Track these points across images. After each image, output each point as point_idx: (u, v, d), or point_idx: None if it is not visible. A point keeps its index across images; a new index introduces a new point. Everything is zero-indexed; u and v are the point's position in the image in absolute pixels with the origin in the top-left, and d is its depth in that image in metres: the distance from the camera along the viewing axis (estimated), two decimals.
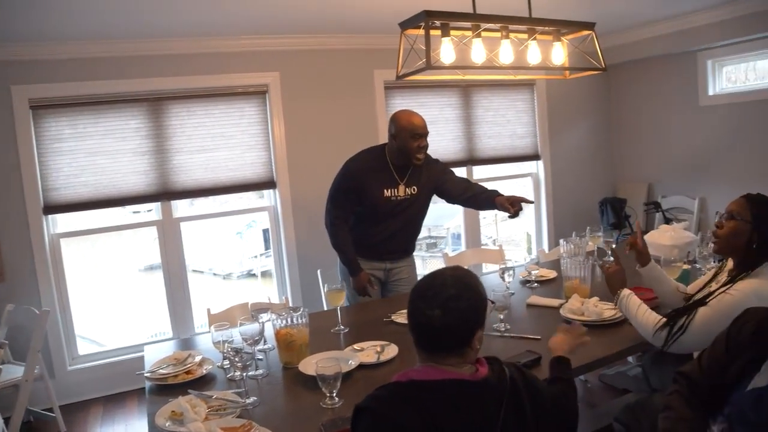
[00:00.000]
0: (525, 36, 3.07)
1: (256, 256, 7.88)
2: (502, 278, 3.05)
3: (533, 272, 3.37)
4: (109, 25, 3.82)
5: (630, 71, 6.14)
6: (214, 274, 7.98)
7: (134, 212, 5.07)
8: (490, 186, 3.44)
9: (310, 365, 2.19)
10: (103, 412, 4.14)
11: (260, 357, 2.43)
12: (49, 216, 4.25)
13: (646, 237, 3.56)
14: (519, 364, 1.66)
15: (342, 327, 2.77)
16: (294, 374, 2.24)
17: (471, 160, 5.67)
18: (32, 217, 4.14)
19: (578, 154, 6.31)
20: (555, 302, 2.85)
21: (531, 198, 3.18)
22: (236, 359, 2.05)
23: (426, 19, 2.71)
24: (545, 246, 6.01)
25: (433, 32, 2.78)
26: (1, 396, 3.63)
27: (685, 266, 2.92)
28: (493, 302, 2.57)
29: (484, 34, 2.94)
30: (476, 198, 3.35)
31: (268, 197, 5.02)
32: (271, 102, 4.78)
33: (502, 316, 2.58)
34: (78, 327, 4.47)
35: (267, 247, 6.80)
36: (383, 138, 3.34)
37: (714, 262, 2.98)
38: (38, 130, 4.15)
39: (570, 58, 3.31)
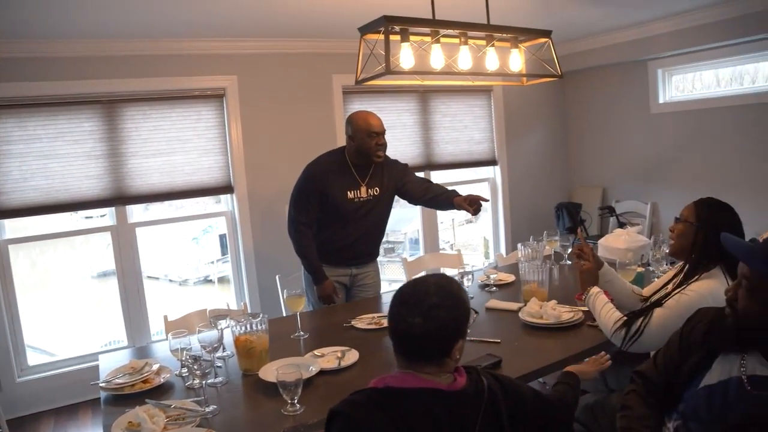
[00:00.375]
0: (483, 43, 3.11)
1: (212, 262, 7.75)
2: (461, 282, 3.06)
3: (492, 276, 3.40)
4: (61, 23, 3.72)
5: (585, 79, 6.29)
6: (170, 281, 7.81)
7: (86, 217, 4.94)
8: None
9: (270, 372, 2.16)
10: (54, 424, 4.01)
11: (219, 364, 2.39)
12: None
13: (602, 241, 3.65)
14: (486, 369, 1.66)
15: (302, 333, 2.74)
16: (254, 381, 2.21)
17: (429, 165, 5.71)
18: None
19: (534, 159, 6.42)
20: (514, 306, 2.88)
21: (486, 197, 3.23)
22: (195, 367, 2.01)
23: (385, 24, 2.72)
24: (503, 250, 6.09)
25: (392, 37, 2.79)
26: None
27: (639, 269, 2.99)
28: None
29: (443, 40, 2.96)
30: (437, 198, 3.38)
31: (225, 202, 4.96)
32: (229, 106, 4.72)
33: None
34: (27, 337, 4.32)
35: (224, 253, 6.71)
36: (342, 141, 3.35)
37: (666, 265, 3.07)
38: None
39: (527, 65, 3.37)
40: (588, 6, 4.37)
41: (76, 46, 4.12)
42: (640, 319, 2.14)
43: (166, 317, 3.01)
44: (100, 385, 2.24)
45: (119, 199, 4.41)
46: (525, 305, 2.79)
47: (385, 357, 2.46)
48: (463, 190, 3.35)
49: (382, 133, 3.22)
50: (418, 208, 5.56)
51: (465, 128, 5.92)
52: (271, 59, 4.87)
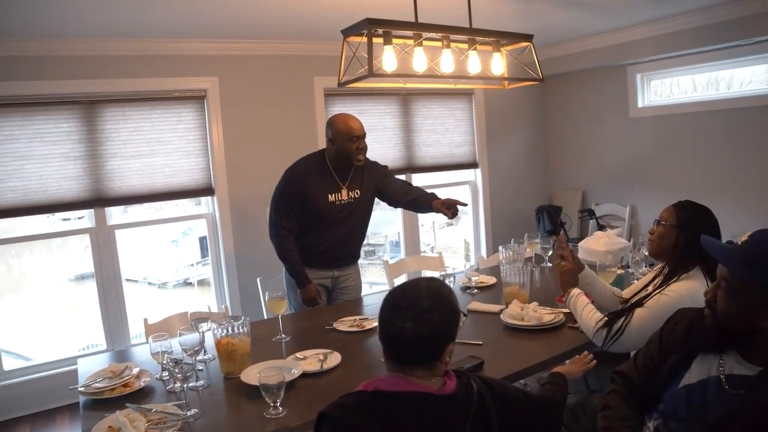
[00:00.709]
0: (465, 46, 3.13)
1: (192, 265, 7.69)
2: None
3: (473, 279, 3.41)
4: (40, 23, 3.66)
5: (565, 83, 6.34)
6: (149, 284, 7.74)
7: (64, 219, 4.87)
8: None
9: (252, 375, 2.15)
10: (30, 430, 3.94)
11: (200, 368, 2.37)
12: None
13: (582, 243, 3.68)
14: (469, 371, 1.66)
15: (283, 335, 2.73)
16: (236, 384, 2.19)
17: (410, 168, 5.72)
18: None
19: (515, 162, 6.46)
20: (495, 308, 2.90)
21: (465, 201, 3.26)
22: (176, 370, 1.99)
23: (368, 26, 2.73)
24: (483, 253, 6.12)
25: (375, 40, 2.80)
26: None
27: (619, 271, 3.02)
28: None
29: (425, 43, 2.98)
30: (416, 201, 3.39)
31: (205, 204, 4.92)
32: (210, 107, 4.69)
33: None
34: (3, 341, 4.25)
35: (204, 256, 6.66)
36: (323, 144, 3.35)
37: (646, 267, 3.11)
38: None
39: (509, 68, 3.39)
40: (568, 11, 4.41)
41: (54, 46, 4.06)
42: (621, 319, 2.17)
43: (146, 320, 2.99)
44: (79, 389, 2.21)
45: (98, 200, 4.36)
46: (506, 307, 2.80)
47: (368, 359, 2.46)
48: (444, 193, 3.37)
49: (363, 136, 3.22)
50: (399, 210, 5.56)
51: (446, 131, 5.94)
52: (252, 61, 4.84)
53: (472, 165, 6.15)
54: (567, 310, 2.57)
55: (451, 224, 7.39)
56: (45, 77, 4.09)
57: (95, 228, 4.41)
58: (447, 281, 3.05)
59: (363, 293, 3.61)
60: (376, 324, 2.64)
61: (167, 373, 2.22)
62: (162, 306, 6.44)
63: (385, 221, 6.86)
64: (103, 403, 2.10)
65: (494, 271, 3.72)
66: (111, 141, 4.36)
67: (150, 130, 4.51)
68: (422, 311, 1.42)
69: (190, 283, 7.76)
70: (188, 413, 1.94)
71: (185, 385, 2.04)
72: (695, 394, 1.57)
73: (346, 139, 3.17)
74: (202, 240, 6.38)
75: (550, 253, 3.69)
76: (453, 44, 3.07)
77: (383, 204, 3.59)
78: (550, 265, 3.70)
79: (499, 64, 3.24)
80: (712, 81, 5.39)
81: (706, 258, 2.11)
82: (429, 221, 7.21)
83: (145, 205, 4.80)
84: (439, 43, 3.04)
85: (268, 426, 1.85)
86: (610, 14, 4.65)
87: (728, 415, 1.47)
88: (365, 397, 1.43)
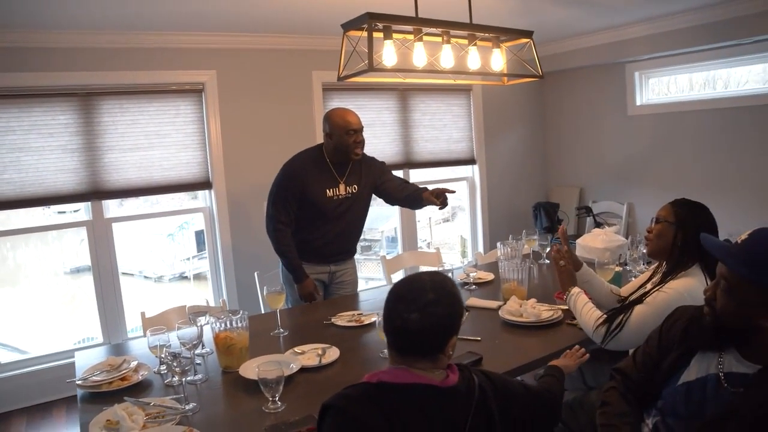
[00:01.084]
0: (465, 42, 3.12)
1: (188, 259, 7.68)
2: None
3: (471, 275, 3.42)
4: (38, 14, 3.64)
5: (563, 80, 6.34)
6: (145, 277, 7.72)
7: (59, 212, 4.85)
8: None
9: (250, 369, 2.15)
10: (26, 423, 3.94)
11: (198, 362, 2.37)
12: None
13: (579, 240, 3.69)
14: (478, 369, 1.67)
15: (281, 330, 2.73)
16: (234, 378, 2.19)
17: (408, 164, 5.71)
18: None
19: (513, 158, 6.46)
20: (493, 304, 2.90)
21: (453, 189, 3.26)
22: (174, 364, 1.98)
23: (369, 21, 2.72)
24: (480, 249, 6.12)
25: (375, 35, 2.79)
26: None
27: (617, 269, 3.03)
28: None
29: (425, 38, 2.97)
30: (410, 197, 3.39)
31: (202, 198, 4.91)
32: (208, 101, 4.68)
33: None
34: None
35: (200, 250, 6.65)
36: (321, 138, 3.32)
37: (643, 264, 3.12)
38: None
39: (508, 65, 3.38)
40: (568, 8, 4.41)
41: (52, 38, 4.03)
42: (621, 316, 2.18)
43: (143, 314, 2.98)
44: (77, 382, 2.21)
45: (95, 193, 4.34)
46: (504, 303, 2.80)
47: (366, 354, 2.46)
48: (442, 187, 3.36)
49: (360, 130, 3.22)
50: (397, 206, 5.56)
51: (444, 127, 5.94)
52: (250, 55, 4.83)
53: (470, 161, 6.15)
54: (565, 307, 2.58)
55: (448, 220, 7.39)
56: (42, 69, 4.06)
57: (92, 221, 4.39)
58: None
59: (359, 289, 3.62)
60: (374, 319, 2.65)
61: (165, 367, 2.22)
62: (158, 300, 6.43)
63: (381, 217, 6.86)
64: (100, 396, 2.10)
65: (492, 267, 3.72)
66: (108, 134, 4.34)
67: (147, 123, 4.49)
68: (427, 303, 1.43)
69: (186, 277, 7.76)
70: (187, 407, 1.94)
71: (184, 379, 2.03)
72: (694, 392, 1.57)
73: (343, 133, 3.16)
74: (198, 234, 6.38)
75: (548, 249, 3.69)
76: (453, 40, 3.07)
77: (380, 200, 3.59)
78: (548, 262, 3.70)
79: (498, 60, 3.24)
80: (709, 80, 5.40)
81: (704, 255, 2.12)
82: (425, 217, 7.21)
83: (141, 198, 4.79)
84: (439, 39, 3.04)
85: (267, 420, 1.85)
86: (609, 11, 4.65)
87: (727, 412, 1.48)
88: (369, 388, 1.43)
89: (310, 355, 2.37)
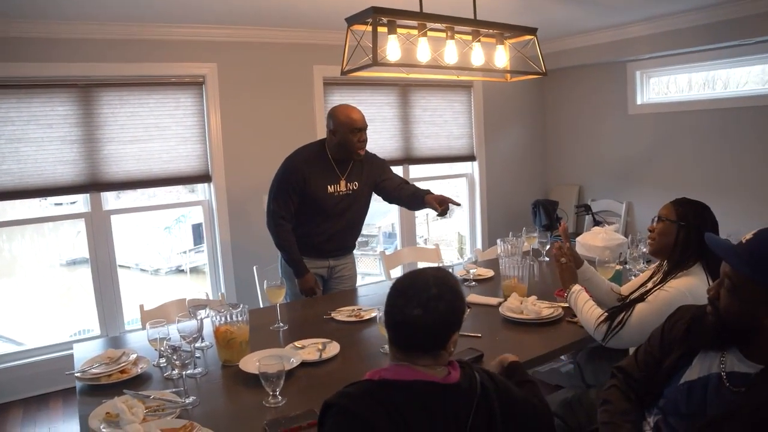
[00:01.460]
0: (469, 38, 3.12)
1: (185, 252, 7.67)
2: None
3: (471, 271, 3.41)
4: (39, 3, 3.61)
5: (564, 78, 6.33)
6: (142, 270, 7.71)
7: (56, 204, 4.84)
8: (425, 186, 3.49)
9: (250, 363, 2.14)
10: (23, 414, 3.93)
11: (198, 355, 2.36)
12: None
13: (580, 239, 3.69)
14: (478, 367, 1.66)
15: (281, 324, 2.72)
16: (234, 372, 2.18)
17: (408, 159, 5.70)
18: None
19: (512, 156, 6.46)
20: (494, 300, 2.90)
21: (459, 201, 3.25)
22: (174, 357, 1.97)
23: (373, 15, 2.71)
24: (479, 246, 6.12)
25: (379, 29, 2.78)
26: None
27: (618, 267, 3.03)
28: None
29: (429, 33, 2.96)
30: (410, 197, 3.38)
31: (201, 191, 4.90)
32: (208, 93, 4.66)
33: None
34: None
35: (197, 243, 6.64)
36: (322, 133, 3.32)
37: (643, 263, 3.12)
38: None
39: (511, 61, 3.38)
40: (569, 6, 4.41)
41: (52, 28, 4.01)
42: (622, 314, 2.18)
43: (142, 307, 2.97)
44: (76, 374, 2.19)
45: (94, 185, 4.32)
46: (505, 300, 2.80)
47: (366, 349, 2.46)
48: (441, 185, 3.35)
49: (365, 128, 3.20)
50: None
51: (445, 123, 5.93)
52: (251, 48, 4.81)
53: (470, 158, 6.14)
54: (565, 305, 2.58)
55: (446, 216, 7.39)
56: (41, 59, 4.04)
57: (90, 213, 4.38)
58: None
59: (357, 284, 3.61)
60: (374, 314, 2.65)
61: (165, 360, 2.21)
62: (155, 293, 6.42)
63: (378, 212, 6.85)
64: (99, 389, 2.09)
65: (491, 264, 3.72)
66: (108, 125, 4.32)
67: (147, 115, 4.47)
68: (429, 299, 1.42)
69: (183, 271, 7.75)
70: (187, 400, 1.93)
71: (183, 373, 2.02)
72: (696, 391, 1.57)
73: (347, 131, 3.14)
74: (195, 227, 6.36)
75: (548, 247, 3.69)
76: (457, 35, 3.06)
77: (378, 196, 3.57)
78: (548, 259, 3.70)
79: (502, 56, 3.24)
80: (708, 80, 5.40)
81: (706, 254, 2.13)
82: (423, 213, 7.20)
83: (138, 191, 4.77)
84: (443, 34, 3.03)
85: (267, 415, 1.84)
86: (611, 11, 4.65)
87: (728, 412, 1.47)
88: (371, 385, 1.42)
89: (311, 349, 2.36)
